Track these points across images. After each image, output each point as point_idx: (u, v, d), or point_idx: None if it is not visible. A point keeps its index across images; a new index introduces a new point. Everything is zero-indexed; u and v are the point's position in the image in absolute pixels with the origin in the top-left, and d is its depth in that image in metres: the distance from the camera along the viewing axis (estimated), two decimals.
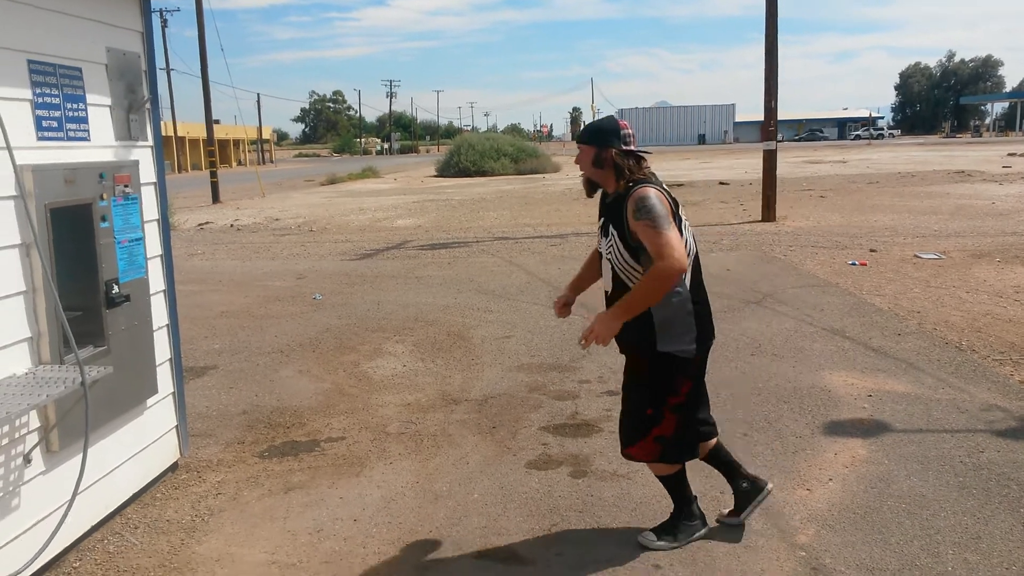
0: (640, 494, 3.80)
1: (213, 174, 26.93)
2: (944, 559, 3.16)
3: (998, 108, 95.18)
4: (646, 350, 3.11)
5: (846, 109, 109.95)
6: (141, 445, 3.90)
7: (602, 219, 3.22)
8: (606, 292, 3.26)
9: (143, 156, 3.93)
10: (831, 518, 3.53)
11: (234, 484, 4.12)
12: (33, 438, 3.14)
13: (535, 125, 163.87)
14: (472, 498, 3.86)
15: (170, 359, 4.20)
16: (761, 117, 16.07)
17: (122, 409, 3.70)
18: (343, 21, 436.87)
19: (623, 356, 3.33)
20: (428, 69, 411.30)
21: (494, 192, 26.59)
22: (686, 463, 3.37)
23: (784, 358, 6.00)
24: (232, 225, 18.46)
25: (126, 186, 3.67)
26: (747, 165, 34.99)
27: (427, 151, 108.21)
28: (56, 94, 3.31)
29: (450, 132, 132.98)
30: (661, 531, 3.37)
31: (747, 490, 3.46)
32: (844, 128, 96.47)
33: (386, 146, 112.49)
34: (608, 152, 3.11)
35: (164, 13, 63.21)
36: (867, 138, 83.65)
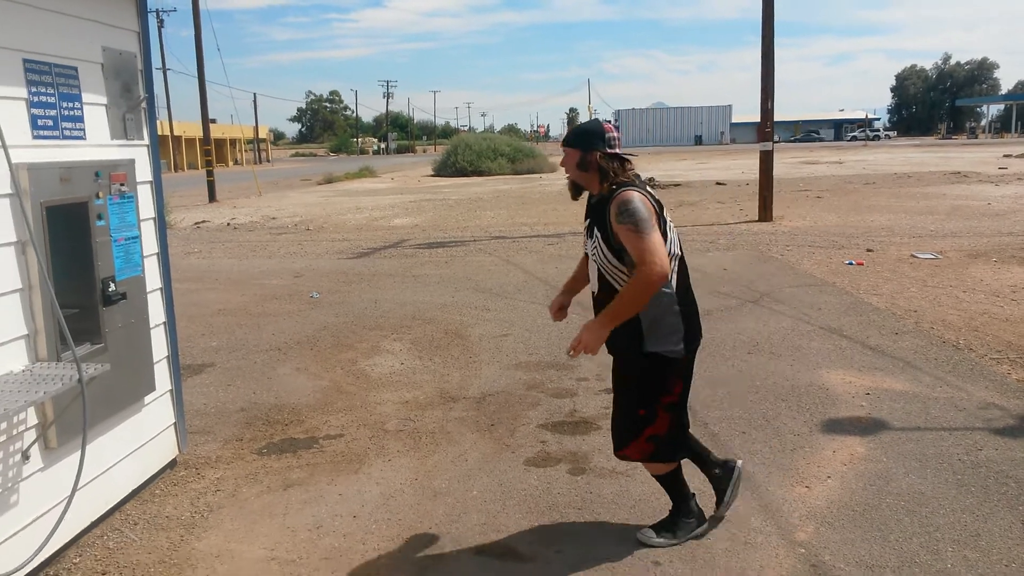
0: (639, 491, 3.79)
1: (209, 173, 26.89)
2: (943, 556, 3.17)
3: (993, 110, 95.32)
4: (634, 351, 3.11)
5: (842, 111, 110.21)
6: (139, 442, 3.89)
7: (588, 220, 3.22)
8: (593, 294, 3.27)
9: (139, 155, 3.92)
10: (830, 515, 3.53)
11: (233, 481, 4.11)
12: (31, 435, 3.14)
13: (532, 126, 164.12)
14: (471, 495, 3.85)
15: (167, 356, 4.19)
16: (757, 118, 16.09)
17: (120, 406, 3.70)
18: (341, 22, 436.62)
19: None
20: (425, 70, 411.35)
21: (491, 192, 26.59)
22: (680, 464, 3.37)
23: (782, 356, 6.01)
24: (229, 224, 18.44)
25: (122, 185, 3.66)
26: (743, 166, 35.05)
27: (424, 151, 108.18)
28: (52, 93, 3.30)
29: (447, 132, 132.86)
30: (660, 528, 3.37)
31: (720, 476, 3.50)
32: (840, 129, 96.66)
33: (383, 146, 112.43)
34: (593, 155, 3.11)
35: (160, 13, 63.15)
36: (863, 139, 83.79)
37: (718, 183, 26.04)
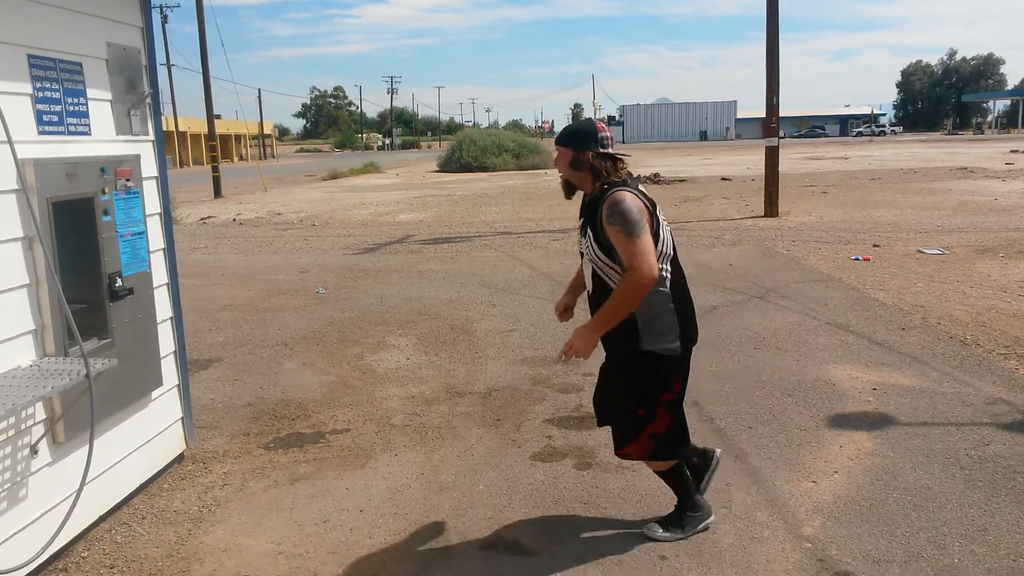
0: (645, 486, 3.79)
1: (215, 169, 26.95)
2: (950, 551, 3.16)
3: (1000, 106, 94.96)
4: (631, 350, 3.11)
5: (848, 106, 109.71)
6: (147, 437, 3.90)
7: (582, 219, 3.22)
8: (588, 292, 3.27)
9: (144, 150, 3.92)
10: (837, 510, 3.52)
11: (240, 475, 4.12)
12: (39, 430, 3.15)
13: (536, 121, 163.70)
14: (477, 490, 3.86)
15: (174, 351, 4.20)
16: (762, 114, 16.04)
17: (127, 401, 3.71)
18: (343, 18, 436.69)
19: None
20: (428, 66, 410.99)
21: (496, 187, 26.57)
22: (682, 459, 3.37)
23: (788, 352, 6.00)
24: (234, 219, 18.46)
25: (128, 180, 3.67)
26: (749, 161, 34.98)
27: (428, 147, 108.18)
28: (57, 88, 3.31)
29: (451, 128, 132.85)
30: (667, 523, 3.37)
31: (698, 464, 3.51)
32: (846, 125, 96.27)
33: (387, 142, 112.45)
34: (585, 154, 3.11)
35: (164, 9, 63.09)
36: (869, 135, 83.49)
37: (723, 179, 25.99)
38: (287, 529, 3.52)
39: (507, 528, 3.49)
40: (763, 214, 15.17)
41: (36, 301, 3.16)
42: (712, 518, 3.41)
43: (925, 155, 36.82)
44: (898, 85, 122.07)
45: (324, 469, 4.17)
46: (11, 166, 2.98)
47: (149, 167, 3.95)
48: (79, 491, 3.15)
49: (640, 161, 40.56)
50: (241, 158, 75.25)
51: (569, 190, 3.29)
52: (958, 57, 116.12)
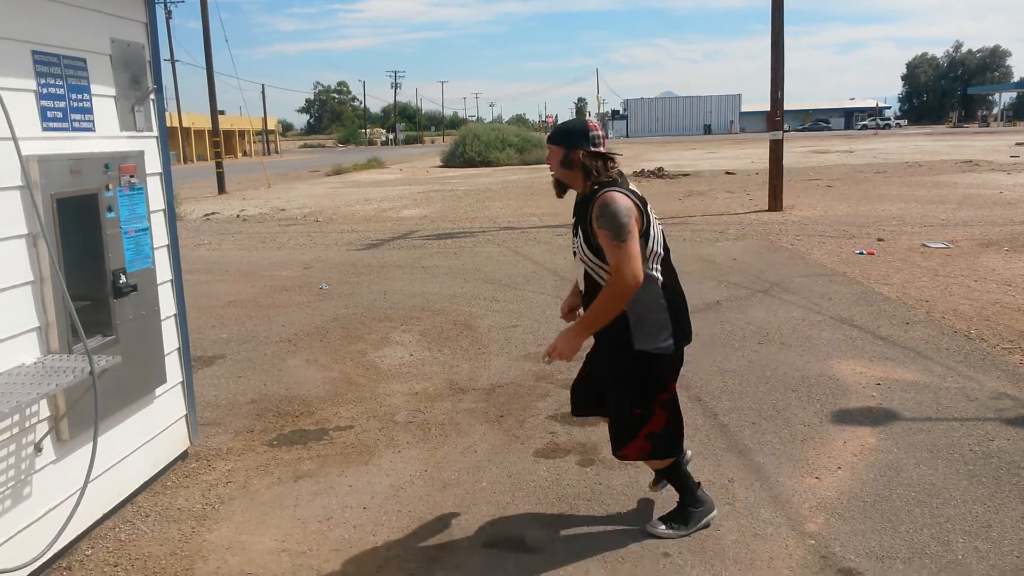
0: (648, 482, 3.78)
1: (219, 165, 26.95)
2: (954, 547, 3.16)
3: (1006, 98, 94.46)
4: (624, 350, 3.11)
5: (853, 99, 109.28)
6: (151, 434, 3.91)
7: (574, 219, 3.22)
8: (581, 292, 3.27)
9: (148, 146, 3.92)
10: (840, 506, 3.52)
11: (244, 472, 4.13)
12: (43, 427, 3.16)
13: (540, 116, 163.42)
14: (480, 486, 3.86)
15: (178, 348, 4.21)
16: (767, 107, 15.99)
17: (131, 398, 3.71)
18: (347, 12, 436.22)
19: None
20: (432, 60, 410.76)
21: (499, 182, 26.56)
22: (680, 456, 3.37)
23: (792, 347, 5.99)
24: (238, 215, 18.48)
25: (132, 176, 3.67)
26: (753, 155, 34.89)
27: (432, 141, 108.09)
28: (61, 84, 3.31)
29: (455, 123, 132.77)
30: (670, 519, 3.37)
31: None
32: (851, 118, 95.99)
33: (391, 137, 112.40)
34: (576, 153, 3.11)
35: (168, 4, 63.08)
36: (874, 128, 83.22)
37: (728, 172, 25.93)
38: (291, 526, 3.53)
39: (510, 525, 3.49)
40: (767, 208, 15.13)
41: (40, 298, 3.17)
42: (715, 512, 3.41)
43: (930, 148, 36.69)
44: (903, 78, 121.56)
45: (328, 466, 4.17)
46: (15, 163, 2.98)
47: (153, 163, 3.95)
48: (83, 489, 3.16)
49: (644, 155, 40.49)
50: (245, 154, 75.29)
51: (560, 189, 3.30)
52: (964, 49, 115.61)
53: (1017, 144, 36.07)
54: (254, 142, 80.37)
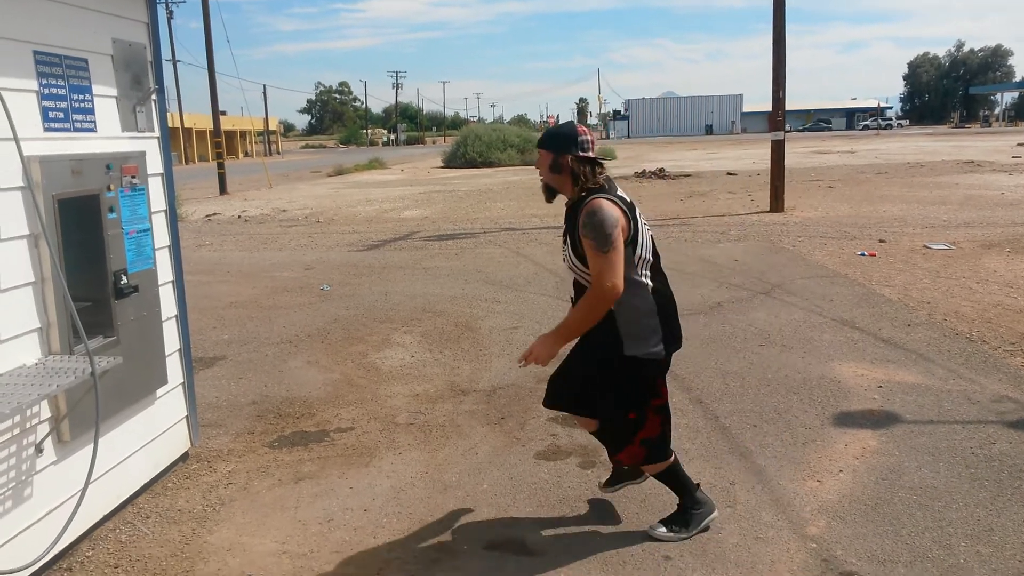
0: (649, 485, 3.77)
1: (220, 165, 26.95)
2: (956, 551, 3.15)
3: (1008, 98, 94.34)
4: (615, 356, 3.12)
5: (855, 99, 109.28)
6: (152, 435, 3.91)
7: (565, 225, 3.23)
8: (571, 298, 3.28)
9: (150, 147, 3.92)
10: (842, 509, 3.51)
11: (245, 474, 4.13)
12: (44, 428, 3.15)
13: (542, 116, 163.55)
14: (481, 488, 3.86)
15: (179, 349, 4.20)
16: (768, 107, 15.98)
17: (132, 399, 3.71)
18: (348, 12, 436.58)
19: None
20: (433, 60, 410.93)
21: (501, 183, 26.55)
22: (677, 458, 3.38)
23: (793, 349, 5.98)
24: (239, 216, 18.48)
25: (133, 177, 3.67)
26: (755, 155, 34.87)
27: (433, 142, 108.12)
28: (62, 85, 3.31)
29: (456, 123, 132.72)
30: (670, 522, 3.36)
31: (627, 472, 3.57)
32: (853, 118, 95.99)
33: (392, 137, 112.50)
34: (564, 158, 3.11)
35: (169, 4, 63.17)
36: (875, 128, 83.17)
37: (729, 173, 25.92)
38: (291, 528, 3.53)
39: (511, 527, 3.49)
40: (769, 209, 15.12)
41: (41, 299, 3.17)
42: (715, 514, 3.40)
43: (932, 149, 36.67)
44: (905, 78, 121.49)
45: (328, 468, 4.17)
46: (17, 163, 2.98)
47: (155, 164, 3.95)
48: (84, 490, 3.16)
49: (645, 155, 40.49)
50: (246, 154, 75.33)
51: (549, 194, 3.31)
52: (965, 49, 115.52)
53: (1019, 144, 36.03)
54: (255, 143, 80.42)
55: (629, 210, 3.04)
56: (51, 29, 3.24)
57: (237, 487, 3.98)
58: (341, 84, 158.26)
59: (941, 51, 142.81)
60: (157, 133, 4.01)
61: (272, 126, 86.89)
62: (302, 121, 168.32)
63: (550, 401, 3.53)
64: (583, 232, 2.99)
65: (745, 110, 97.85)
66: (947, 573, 3.01)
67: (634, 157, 39.33)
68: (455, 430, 4.63)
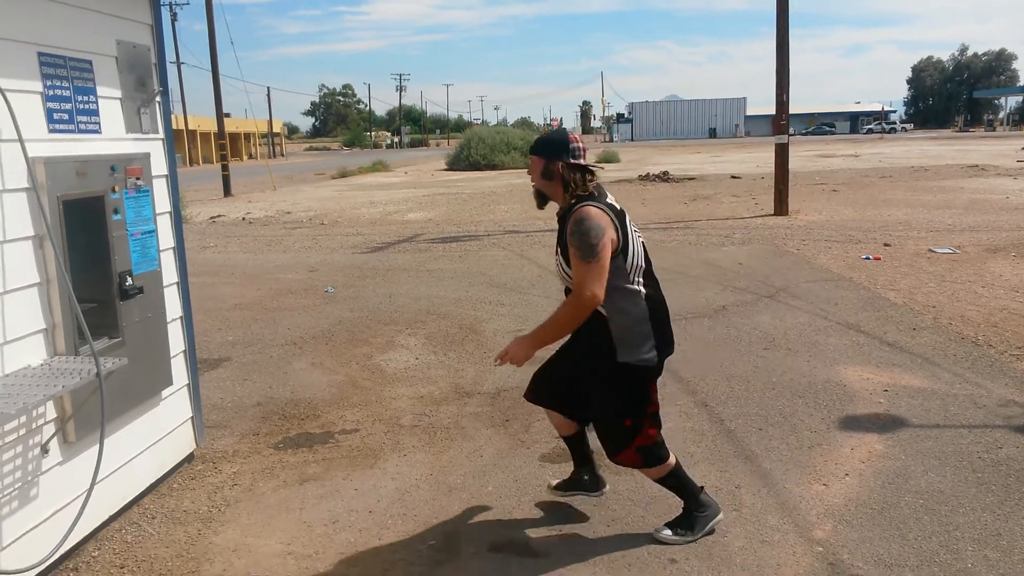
0: (654, 488, 3.74)
1: (224, 167, 26.99)
2: (963, 556, 3.13)
3: (1012, 102, 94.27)
4: (608, 362, 3.12)
5: (858, 103, 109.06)
6: (157, 436, 3.91)
7: (558, 234, 3.24)
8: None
9: (154, 149, 3.92)
10: (848, 513, 3.50)
11: (250, 475, 4.12)
12: (50, 429, 3.15)
13: (545, 119, 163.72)
14: (486, 491, 3.85)
15: (184, 351, 4.20)
16: (772, 111, 15.97)
17: (137, 400, 3.71)
18: (352, 15, 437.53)
19: None
20: (437, 63, 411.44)
21: (504, 186, 26.55)
22: (679, 462, 3.38)
23: (798, 352, 5.97)
24: (244, 218, 18.50)
25: (138, 179, 3.67)
26: (758, 159, 34.85)
27: (437, 145, 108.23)
28: (67, 86, 3.31)
29: (460, 126, 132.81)
30: (675, 525, 3.36)
31: (585, 483, 3.60)
32: (856, 122, 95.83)
33: (396, 140, 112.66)
34: (556, 164, 3.13)
35: (173, 6, 63.33)
36: (879, 132, 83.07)
37: (733, 176, 25.91)
38: (296, 529, 3.52)
39: (516, 529, 3.48)
40: (773, 212, 15.11)
41: (47, 300, 3.17)
42: (720, 516, 3.39)
43: (936, 152, 36.62)
44: (909, 81, 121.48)
45: (333, 469, 4.16)
46: (22, 164, 2.98)
47: (159, 165, 3.95)
48: (90, 490, 3.16)
49: (649, 158, 40.49)
50: (251, 156, 75.46)
51: (541, 200, 3.32)
52: (969, 53, 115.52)
53: (1023, 148, 35.96)
54: (260, 145, 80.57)
55: (618, 218, 3.06)
56: (55, 30, 3.25)
57: (242, 488, 3.97)
58: (345, 87, 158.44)
59: (945, 55, 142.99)
60: (161, 135, 4.02)
61: (276, 128, 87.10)
62: (306, 123, 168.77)
63: (532, 396, 3.54)
64: (569, 240, 3.01)
65: (749, 113, 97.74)
66: None
67: (637, 160, 39.33)
68: (460, 432, 4.63)
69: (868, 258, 9.97)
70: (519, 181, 28.50)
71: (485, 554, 3.29)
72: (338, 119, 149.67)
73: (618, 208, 3.11)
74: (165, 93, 4.05)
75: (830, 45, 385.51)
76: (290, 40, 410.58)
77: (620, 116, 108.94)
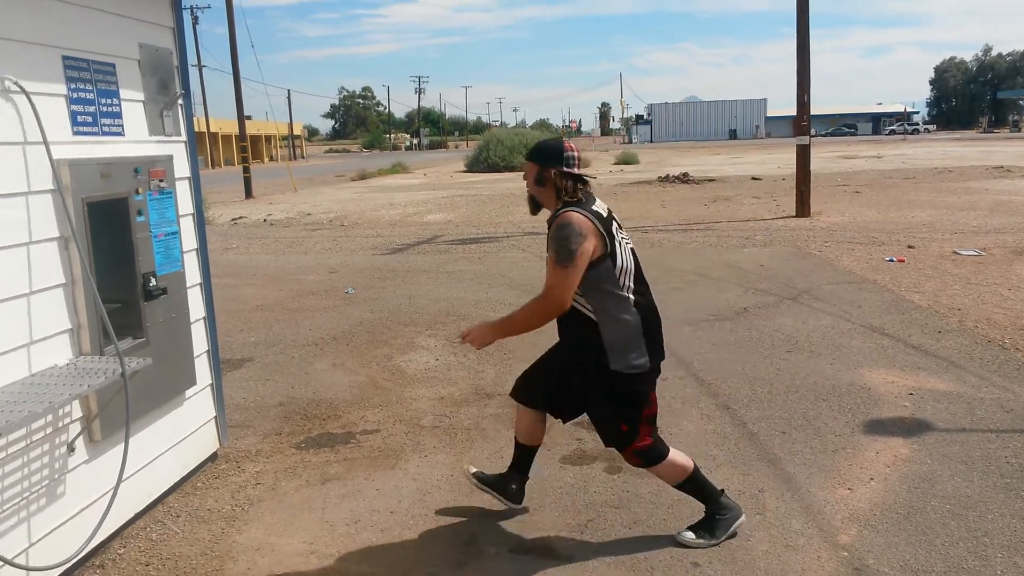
0: (676, 491, 3.74)
1: (246, 169, 27.17)
2: (992, 563, 3.09)
3: None
4: (600, 371, 3.11)
5: (880, 104, 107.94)
6: (181, 435, 3.94)
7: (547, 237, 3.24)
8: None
9: (177, 151, 3.95)
10: (873, 518, 3.46)
11: (272, 475, 4.14)
12: (76, 427, 3.18)
13: (564, 121, 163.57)
14: (508, 492, 3.83)
15: (207, 351, 4.23)
16: (793, 112, 15.85)
17: (162, 400, 3.74)
18: (371, 18, 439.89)
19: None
20: (455, 65, 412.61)
21: (523, 188, 26.24)
22: (697, 466, 3.35)
23: (822, 355, 5.91)
24: (265, 220, 18.63)
25: (161, 180, 3.70)
26: (779, 160, 34.61)
27: (456, 147, 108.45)
28: (90, 89, 3.34)
29: (479, 128, 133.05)
30: (698, 528, 3.33)
31: (509, 490, 3.58)
32: (879, 123, 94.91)
33: (415, 142, 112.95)
34: (549, 172, 3.16)
35: (195, 10, 63.85)
36: (902, 133, 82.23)
37: (753, 178, 25.75)
38: (319, 529, 3.53)
39: (537, 531, 3.47)
40: (794, 214, 14.99)
41: (72, 300, 3.20)
42: (743, 519, 3.36)
43: (960, 154, 36.19)
44: (931, 82, 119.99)
45: (355, 469, 4.17)
46: (47, 167, 3.02)
47: (182, 167, 3.98)
48: (116, 488, 3.19)
49: (668, 160, 40.32)
50: (271, 158, 75.97)
51: (534, 206, 3.36)
52: (993, 53, 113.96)
53: None
54: (280, 147, 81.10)
55: (604, 225, 3.06)
56: (79, 34, 3.28)
57: (265, 487, 3.99)
58: (364, 89, 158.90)
59: (968, 55, 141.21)
60: (184, 137, 4.05)
61: (296, 131, 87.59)
62: (326, 126, 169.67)
63: (520, 396, 3.53)
64: (548, 243, 3.05)
65: (769, 114, 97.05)
66: None
67: (657, 162, 39.17)
68: (480, 433, 4.62)
69: (892, 260, 9.87)
70: None
71: (507, 555, 3.29)
72: (357, 121, 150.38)
73: (604, 215, 3.12)
74: (187, 96, 4.08)
75: (849, 46, 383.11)
76: (309, 43, 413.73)
77: (639, 117, 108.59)
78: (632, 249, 3.19)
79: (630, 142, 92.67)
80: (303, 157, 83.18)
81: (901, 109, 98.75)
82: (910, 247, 10.84)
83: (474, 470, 3.69)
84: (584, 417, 4.78)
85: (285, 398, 5.38)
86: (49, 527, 3.02)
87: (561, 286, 2.98)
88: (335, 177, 39.61)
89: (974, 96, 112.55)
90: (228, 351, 6.49)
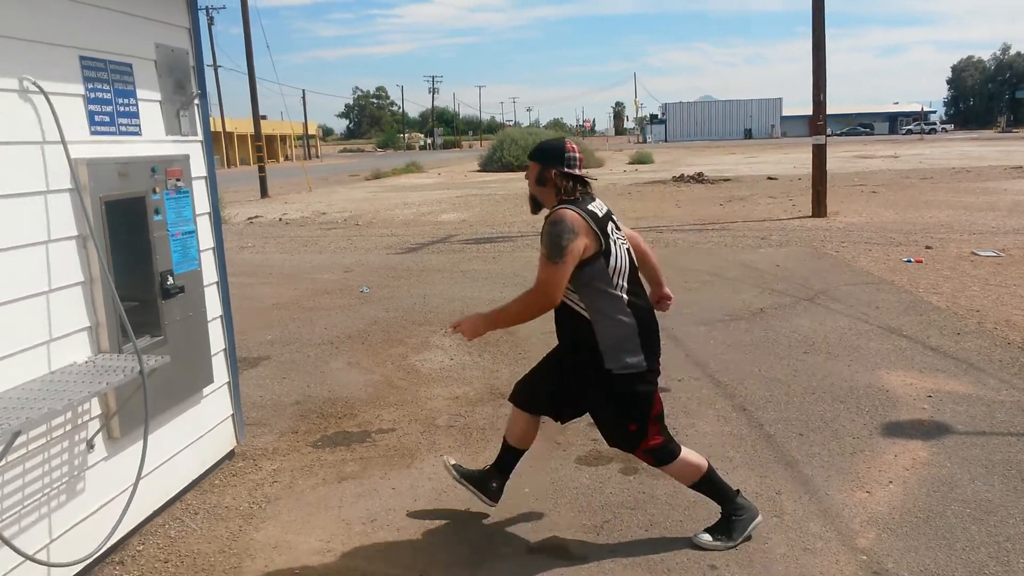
0: (693, 492, 3.71)
1: (261, 169, 27.31)
2: (1014, 568, 3.05)
3: None
4: (596, 370, 3.11)
5: (897, 103, 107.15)
6: (199, 433, 3.96)
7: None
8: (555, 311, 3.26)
9: (193, 150, 3.97)
10: (892, 522, 3.43)
11: (289, 473, 4.16)
12: (95, 425, 3.20)
13: (577, 120, 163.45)
14: (523, 493, 3.83)
15: (224, 349, 4.25)
16: (808, 111, 15.76)
17: (179, 398, 3.76)
18: (385, 18, 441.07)
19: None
20: (469, 65, 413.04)
21: None
22: (712, 466, 3.33)
23: (839, 356, 5.87)
24: (280, 219, 18.71)
25: (178, 180, 3.71)
26: (795, 160, 34.41)
27: (470, 146, 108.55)
28: (107, 89, 3.36)
29: (492, 127, 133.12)
30: (715, 531, 3.31)
31: (489, 487, 3.54)
32: (895, 122, 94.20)
33: (429, 141, 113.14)
34: (550, 171, 3.16)
35: (210, 10, 64.18)
36: (919, 132, 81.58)
37: (769, 178, 25.61)
38: (336, 527, 3.54)
39: (553, 532, 3.46)
40: (811, 214, 14.89)
41: (91, 299, 3.22)
42: (759, 519, 3.34)
43: (978, 154, 35.85)
44: (948, 81, 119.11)
45: (371, 468, 4.18)
46: (65, 166, 3.04)
47: (198, 167, 4.00)
48: (135, 485, 3.21)
49: (683, 159, 40.19)
50: (286, 158, 76.28)
51: (535, 205, 3.35)
52: (1012, 52, 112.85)
53: None
54: (295, 147, 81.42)
55: (599, 224, 3.05)
56: (96, 34, 3.30)
57: (282, 485, 4.01)
58: (378, 89, 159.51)
59: (986, 54, 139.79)
60: (200, 137, 4.07)
61: (311, 130, 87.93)
62: (340, 125, 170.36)
63: (519, 400, 3.53)
64: (540, 239, 3.06)
65: (785, 114, 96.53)
66: None
67: (671, 161, 39.05)
68: (495, 433, 4.62)
69: (910, 261, 9.78)
70: None
71: (523, 556, 3.28)
72: (372, 121, 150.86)
73: (600, 214, 3.11)
74: (203, 96, 4.10)
75: (865, 45, 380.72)
76: (324, 43, 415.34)
77: (654, 117, 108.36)
78: (628, 250, 3.19)
79: (644, 141, 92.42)
80: (318, 157, 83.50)
81: (918, 108, 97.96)
82: (928, 248, 10.74)
83: (453, 462, 3.68)
84: None
85: (301, 396, 5.40)
86: (69, 524, 3.04)
87: (550, 282, 3.01)
88: (349, 176, 39.74)
89: (992, 95, 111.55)
90: (244, 349, 6.52)
